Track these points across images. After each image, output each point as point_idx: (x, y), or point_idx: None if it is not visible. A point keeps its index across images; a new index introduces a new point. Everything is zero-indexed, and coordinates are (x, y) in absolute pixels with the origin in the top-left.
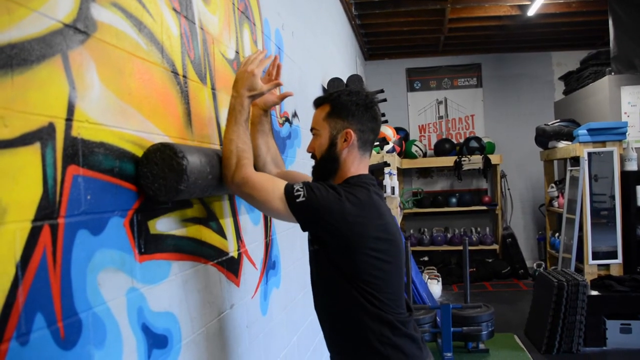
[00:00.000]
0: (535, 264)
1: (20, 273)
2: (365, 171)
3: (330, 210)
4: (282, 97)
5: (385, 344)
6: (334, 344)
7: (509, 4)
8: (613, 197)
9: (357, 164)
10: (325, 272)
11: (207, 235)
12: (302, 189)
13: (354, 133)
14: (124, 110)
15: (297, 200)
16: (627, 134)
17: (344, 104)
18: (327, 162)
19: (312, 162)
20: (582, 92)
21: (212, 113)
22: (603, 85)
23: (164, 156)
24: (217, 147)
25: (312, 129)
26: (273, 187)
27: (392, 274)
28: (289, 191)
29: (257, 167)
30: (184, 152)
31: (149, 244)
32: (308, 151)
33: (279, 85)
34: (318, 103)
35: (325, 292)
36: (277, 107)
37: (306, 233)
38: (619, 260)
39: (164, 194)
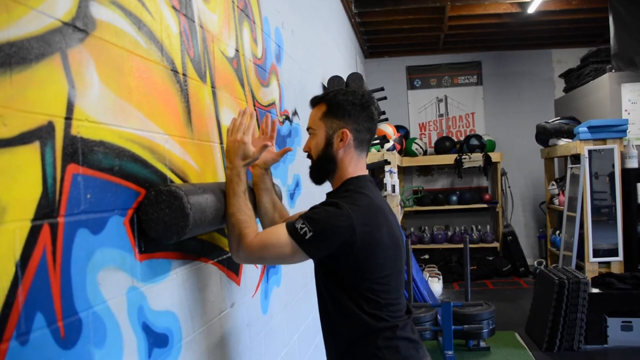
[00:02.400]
0: (536, 262)
1: (20, 272)
2: (364, 171)
3: (339, 231)
4: (281, 154)
5: (381, 347)
6: (331, 347)
7: (509, 1)
8: (614, 195)
9: (354, 164)
10: (330, 280)
11: (208, 234)
12: (304, 225)
13: (350, 133)
14: (123, 108)
15: (306, 238)
16: (627, 131)
17: (340, 103)
18: (323, 162)
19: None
20: (583, 89)
21: (212, 111)
22: (603, 82)
23: (175, 212)
24: (217, 145)
25: (308, 129)
26: (277, 238)
27: (393, 278)
28: (293, 233)
29: (265, 225)
30: (191, 227)
31: (149, 243)
32: (304, 150)
33: (267, 146)
34: (314, 102)
35: (327, 298)
36: (278, 105)
37: None
38: (620, 257)
39: (146, 225)
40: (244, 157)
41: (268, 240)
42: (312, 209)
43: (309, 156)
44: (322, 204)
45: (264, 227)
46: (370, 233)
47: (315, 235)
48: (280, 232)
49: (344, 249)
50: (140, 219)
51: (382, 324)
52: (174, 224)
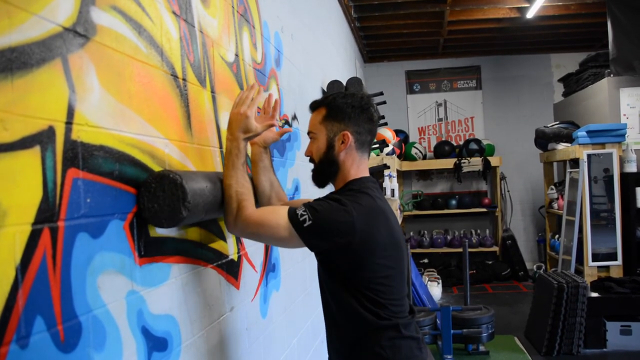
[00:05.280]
0: (535, 266)
1: (20, 276)
2: (366, 173)
3: (339, 226)
4: (281, 134)
5: (385, 346)
6: (335, 347)
7: (508, 6)
8: (612, 199)
9: (356, 166)
10: (331, 279)
11: (207, 238)
12: (305, 212)
13: (351, 135)
14: (123, 113)
15: (305, 225)
16: (626, 135)
17: (339, 106)
18: (325, 165)
19: (311, 165)
20: (581, 94)
21: (212, 116)
22: (602, 87)
23: (172, 192)
24: (216, 149)
25: (309, 133)
26: (277, 219)
27: (396, 278)
28: (293, 218)
29: (262, 205)
30: (192, 202)
31: (149, 247)
32: (306, 155)
33: (273, 125)
34: (314, 107)
35: (329, 298)
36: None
37: None
38: (619, 262)
39: (150, 216)
40: (246, 131)
41: (267, 218)
42: (316, 200)
43: (311, 160)
44: (326, 197)
45: (260, 205)
46: (370, 233)
47: (314, 225)
48: (280, 214)
49: (343, 246)
50: (144, 212)
51: (384, 322)
52: (176, 208)
